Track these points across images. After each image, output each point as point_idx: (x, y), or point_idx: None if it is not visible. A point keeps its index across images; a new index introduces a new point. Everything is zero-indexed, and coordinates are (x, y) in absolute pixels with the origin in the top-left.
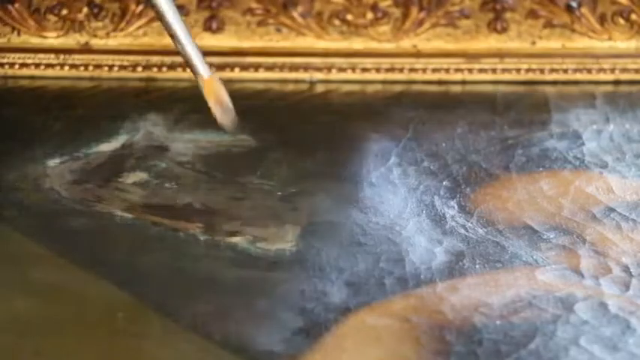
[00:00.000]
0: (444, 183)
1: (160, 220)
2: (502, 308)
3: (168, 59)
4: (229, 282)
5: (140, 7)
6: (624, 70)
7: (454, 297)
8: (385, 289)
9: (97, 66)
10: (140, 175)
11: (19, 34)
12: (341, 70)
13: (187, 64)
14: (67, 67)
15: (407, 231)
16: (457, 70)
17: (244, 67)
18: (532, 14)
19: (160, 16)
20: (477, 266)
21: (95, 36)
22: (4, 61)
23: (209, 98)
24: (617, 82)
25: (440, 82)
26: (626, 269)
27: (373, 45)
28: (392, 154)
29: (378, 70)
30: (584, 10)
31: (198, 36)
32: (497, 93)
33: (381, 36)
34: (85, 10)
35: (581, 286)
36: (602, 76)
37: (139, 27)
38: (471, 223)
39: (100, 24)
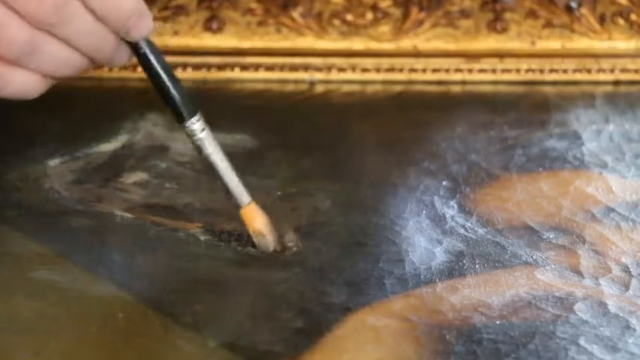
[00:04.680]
0: (444, 183)
1: (160, 220)
2: (502, 308)
3: (168, 59)
4: (229, 282)
5: None
6: (624, 71)
7: (454, 297)
8: (385, 289)
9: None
10: (140, 175)
11: None
12: (341, 70)
13: (226, 191)
14: None
15: (407, 231)
16: (457, 70)
17: (244, 67)
18: (532, 14)
19: (202, 151)
20: (477, 266)
21: None
22: None
23: (248, 226)
24: (616, 83)
25: (440, 82)
26: (625, 269)
27: (373, 45)
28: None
29: (378, 70)
30: (583, 10)
31: (198, 36)
32: (497, 93)
33: (381, 36)
34: None
35: (580, 286)
36: (601, 77)
37: None
38: (471, 223)
39: None
